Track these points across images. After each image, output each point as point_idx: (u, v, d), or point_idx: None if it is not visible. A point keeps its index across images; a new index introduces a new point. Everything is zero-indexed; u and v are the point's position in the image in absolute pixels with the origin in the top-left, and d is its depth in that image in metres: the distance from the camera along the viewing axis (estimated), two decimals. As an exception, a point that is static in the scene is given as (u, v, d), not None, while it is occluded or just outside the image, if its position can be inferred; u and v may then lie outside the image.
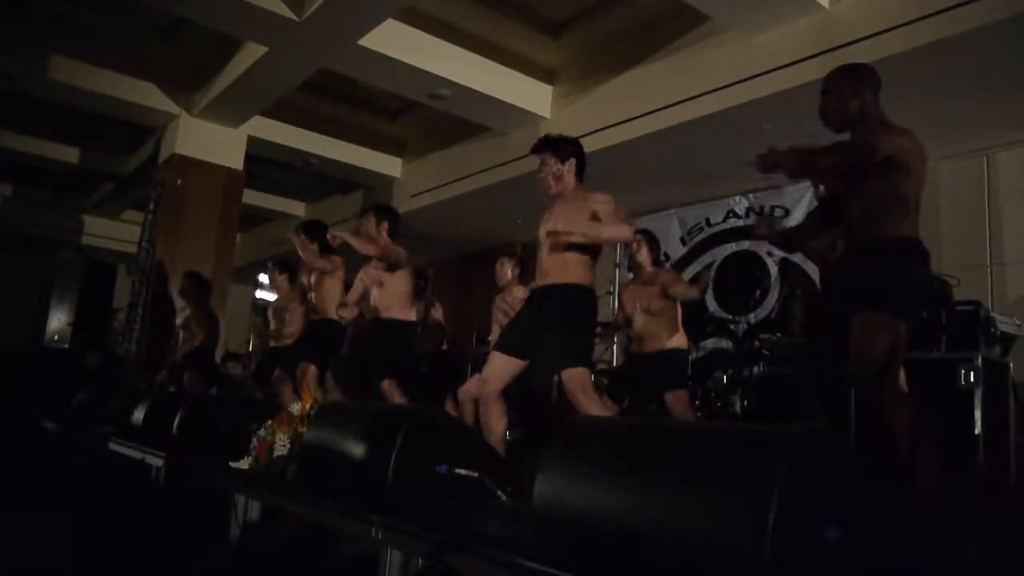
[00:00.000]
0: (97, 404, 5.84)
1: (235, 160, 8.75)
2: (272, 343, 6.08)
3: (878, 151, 2.63)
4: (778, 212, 7.36)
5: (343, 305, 4.86)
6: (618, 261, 7.95)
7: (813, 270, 6.60)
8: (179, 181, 8.33)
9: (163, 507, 3.76)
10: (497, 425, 3.40)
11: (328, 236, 4.89)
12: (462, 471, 2.28)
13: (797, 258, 6.66)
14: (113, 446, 4.65)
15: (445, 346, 6.28)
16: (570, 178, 3.55)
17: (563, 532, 1.78)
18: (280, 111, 8.61)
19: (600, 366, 6.59)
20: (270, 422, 3.24)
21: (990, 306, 4.79)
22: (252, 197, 10.67)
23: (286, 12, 6.03)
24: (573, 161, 3.56)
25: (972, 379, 3.73)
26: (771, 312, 7.18)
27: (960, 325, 3.98)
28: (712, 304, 7.76)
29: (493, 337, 5.09)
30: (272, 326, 6.04)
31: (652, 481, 1.61)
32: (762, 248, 7.41)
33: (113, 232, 13.02)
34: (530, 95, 7.46)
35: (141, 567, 3.00)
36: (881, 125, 2.79)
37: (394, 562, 2.15)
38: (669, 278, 4.90)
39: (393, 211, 4.99)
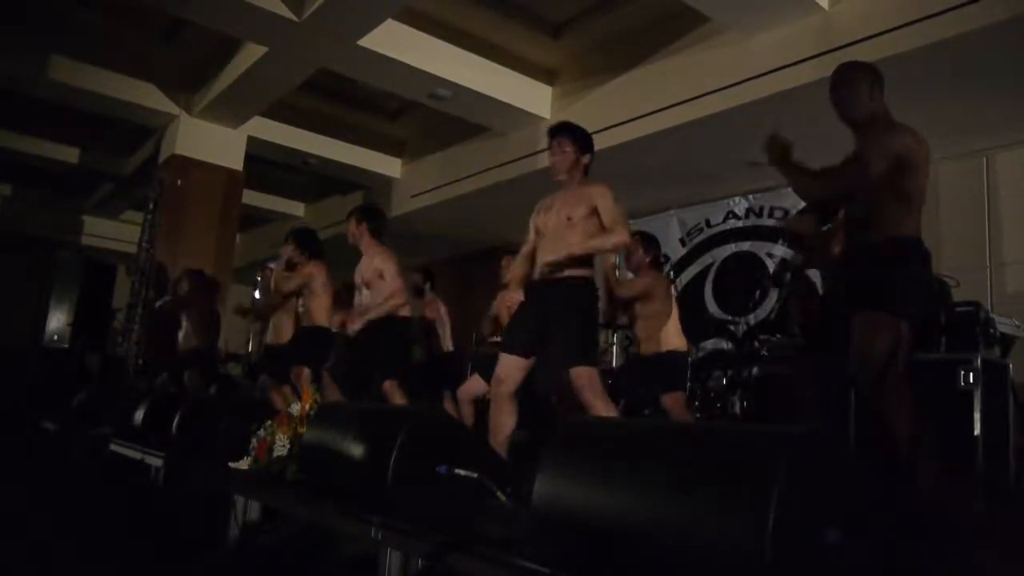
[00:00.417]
0: (96, 404, 5.85)
1: (235, 160, 8.75)
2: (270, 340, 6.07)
3: (889, 151, 2.63)
4: (778, 214, 7.37)
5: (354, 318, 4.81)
6: (616, 262, 7.94)
7: (812, 271, 6.60)
8: (179, 181, 8.32)
9: (162, 507, 3.76)
10: (507, 423, 3.37)
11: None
12: (462, 472, 2.28)
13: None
14: (113, 446, 4.65)
15: (450, 347, 6.25)
16: (579, 171, 3.54)
17: (563, 532, 1.78)
18: (280, 111, 8.61)
19: (600, 367, 6.57)
20: (270, 422, 3.24)
21: (989, 307, 4.79)
22: (252, 197, 10.67)
23: (286, 12, 6.04)
24: (588, 156, 3.56)
25: (971, 380, 3.72)
26: (771, 313, 7.18)
27: (959, 326, 3.98)
28: (712, 305, 7.76)
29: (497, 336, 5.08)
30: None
31: (652, 481, 1.61)
32: (761, 249, 7.41)
33: (113, 232, 13.02)
34: (530, 96, 7.46)
35: (141, 567, 2.99)
36: (890, 124, 2.79)
37: (394, 562, 2.15)
38: (647, 285, 4.83)
39: (374, 211, 5.01)
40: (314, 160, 9.42)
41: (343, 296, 5.66)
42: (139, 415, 4.63)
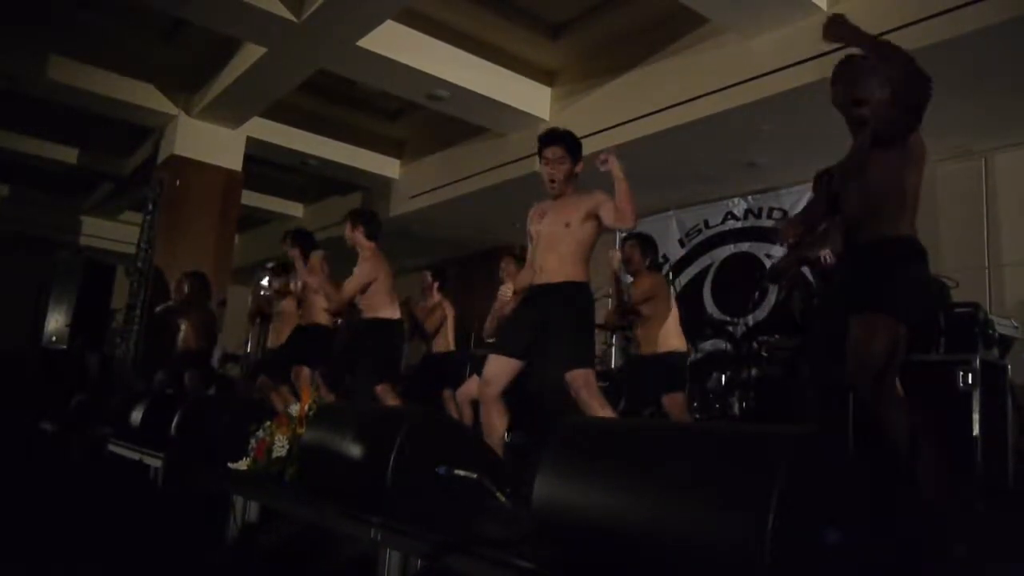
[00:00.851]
0: (95, 405, 5.84)
1: (234, 161, 8.75)
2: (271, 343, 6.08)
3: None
4: (776, 214, 7.37)
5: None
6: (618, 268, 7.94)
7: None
8: (178, 182, 8.32)
9: (161, 508, 3.76)
10: (499, 425, 3.40)
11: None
12: (461, 472, 2.28)
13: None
14: (112, 447, 4.64)
15: (452, 346, 6.22)
16: (573, 180, 3.56)
17: (562, 533, 1.78)
18: (279, 112, 8.62)
19: (598, 368, 6.57)
20: (269, 423, 3.24)
21: (988, 308, 4.79)
22: (251, 198, 10.68)
23: (285, 13, 6.04)
24: (581, 164, 3.59)
25: (970, 381, 3.73)
26: (769, 313, 7.19)
27: (958, 327, 3.99)
28: (711, 306, 7.76)
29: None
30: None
31: (651, 482, 1.61)
32: (760, 250, 7.41)
33: (112, 233, 13.01)
34: (529, 97, 7.47)
35: (140, 568, 2.99)
36: None
37: (393, 563, 2.15)
38: (650, 287, 4.84)
39: (368, 215, 5.04)
40: (313, 161, 9.42)
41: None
42: (138, 416, 4.63)
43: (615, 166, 3.37)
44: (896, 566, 1.78)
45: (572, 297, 3.42)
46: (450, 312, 6.20)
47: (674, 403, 4.70)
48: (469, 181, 8.53)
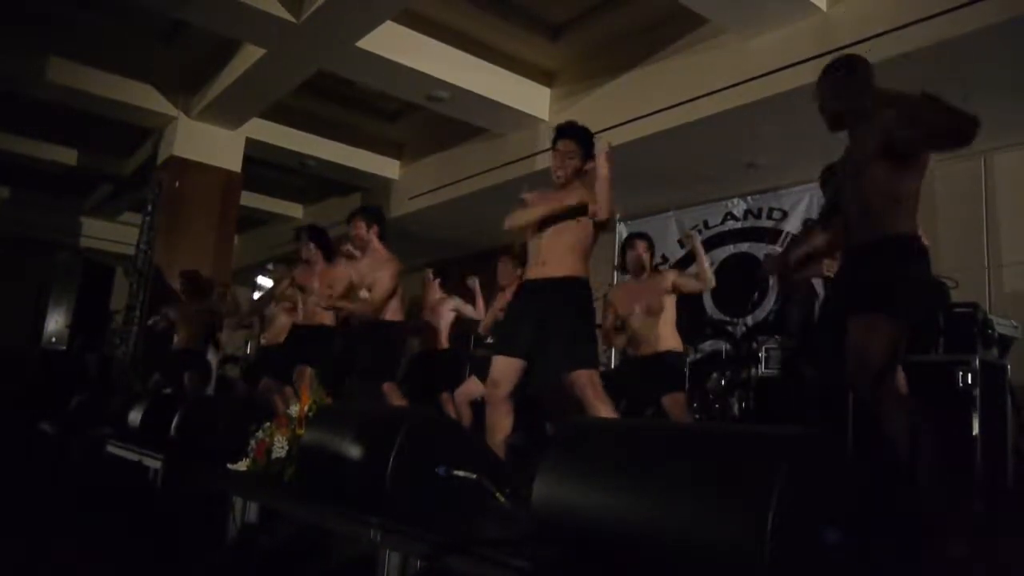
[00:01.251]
0: (95, 406, 5.83)
1: (233, 162, 8.75)
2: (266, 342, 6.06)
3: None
4: (776, 214, 7.37)
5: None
6: (616, 263, 7.95)
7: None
8: (177, 183, 8.32)
9: (161, 509, 3.75)
10: (505, 423, 3.35)
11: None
12: (461, 472, 2.28)
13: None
14: (111, 448, 4.64)
15: (445, 344, 6.20)
16: (577, 176, 3.50)
17: (562, 533, 1.77)
18: (278, 113, 8.62)
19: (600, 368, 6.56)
20: (268, 424, 3.23)
21: (988, 308, 4.80)
22: (250, 199, 10.67)
23: (284, 14, 6.04)
24: (591, 163, 3.47)
25: (970, 381, 3.73)
26: (769, 314, 7.18)
27: (958, 327, 3.99)
28: (710, 306, 7.76)
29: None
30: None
31: (651, 482, 1.61)
32: (760, 250, 7.41)
33: (111, 234, 13.00)
34: (528, 97, 7.47)
35: (140, 569, 2.99)
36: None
37: (392, 563, 2.15)
38: (674, 274, 4.88)
39: (382, 213, 5.02)
40: (312, 162, 9.42)
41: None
42: (137, 416, 4.63)
43: (603, 162, 3.32)
44: (896, 566, 1.78)
45: (572, 293, 3.36)
46: (454, 307, 6.14)
47: (675, 403, 4.69)
48: (469, 182, 8.53)
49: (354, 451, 2.50)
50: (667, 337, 4.77)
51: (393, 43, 6.53)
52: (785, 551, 1.35)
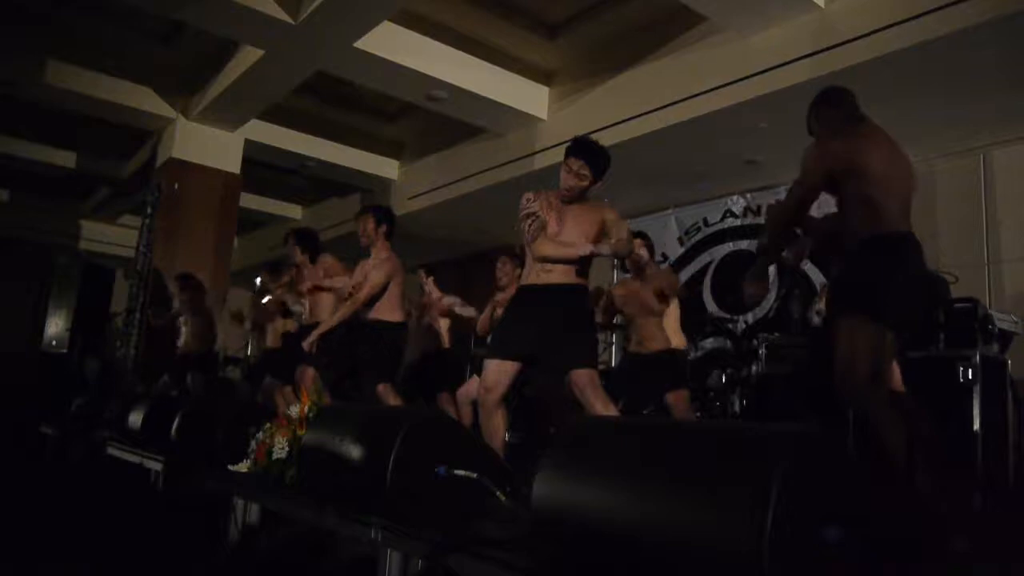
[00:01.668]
0: (95, 409, 5.84)
1: (232, 164, 8.75)
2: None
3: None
4: (775, 211, 7.35)
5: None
6: (615, 263, 7.95)
7: (811, 268, 6.61)
8: (176, 185, 8.32)
9: (162, 511, 3.76)
10: (500, 426, 3.36)
11: None
12: (461, 472, 2.28)
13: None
14: (111, 450, 4.64)
15: (446, 344, 6.19)
16: (587, 193, 3.45)
17: (562, 533, 1.77)
18: (277, 114, 8.62)
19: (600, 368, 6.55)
20: (268, 425, 3.23)
21: (988, 304, 4.80)
22: (249, 201, 10.68)
23: (282, 15, 6.04)
24: (600, 184, 3.43)
25: (970, 376, 3.73)
26: (769, 311, 7.18)
27: (958, 322, 3.99)
28: (710, 304, 7.76)
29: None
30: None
31: (651, 481, 1.61)
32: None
33: (110, 236, 13.01)
34: (527, 97, 7.46)
35: (140, 571, 2.99)
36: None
37: (393, 563, 2.15)
38: (665, 281, 4.87)
39: (391, 213, 5.00)
40: (312, 163, 9.42)
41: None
42: (138, 419, 4.63)
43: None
44: (895, 566, 1.78)
45: (573, 298, 3.39)
46: (450, 304, 6.11)
47: (679, 400, 4.69)
48: (468, 181, 8.53)
49: (355, 452, 2.50)
50: (671, 335, 4.78)
51: (391, 43, 6.53)
52: (784, 551, 1.35)
